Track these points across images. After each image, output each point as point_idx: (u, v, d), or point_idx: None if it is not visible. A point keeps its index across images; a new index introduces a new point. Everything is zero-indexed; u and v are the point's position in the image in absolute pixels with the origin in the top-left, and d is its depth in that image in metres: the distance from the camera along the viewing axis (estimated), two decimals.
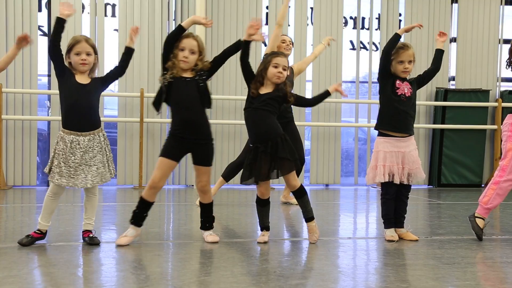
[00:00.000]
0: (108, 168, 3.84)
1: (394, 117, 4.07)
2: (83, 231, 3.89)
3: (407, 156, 4.06)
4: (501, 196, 4.16)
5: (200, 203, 4.11)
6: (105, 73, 3.93)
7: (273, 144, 3.82)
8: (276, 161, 3.83)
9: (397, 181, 4.06)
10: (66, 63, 3.77)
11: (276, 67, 3.87)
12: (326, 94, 4.05)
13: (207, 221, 4.08)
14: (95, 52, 3.82)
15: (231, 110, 7.88)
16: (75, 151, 3.70)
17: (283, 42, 5.73)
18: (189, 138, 3.84)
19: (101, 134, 3.81)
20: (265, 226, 4.04)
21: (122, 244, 3.78)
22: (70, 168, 3.70)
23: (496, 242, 4.15)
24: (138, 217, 3.90)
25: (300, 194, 3.97)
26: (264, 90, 3.91)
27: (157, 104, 3.87)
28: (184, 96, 3.79)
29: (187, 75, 3.84)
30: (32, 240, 3.75)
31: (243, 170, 3.95)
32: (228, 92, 7.85)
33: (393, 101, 4.07)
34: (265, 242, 3.95)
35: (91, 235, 3.86)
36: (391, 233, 4.12)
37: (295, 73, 5.81)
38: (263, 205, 4.02)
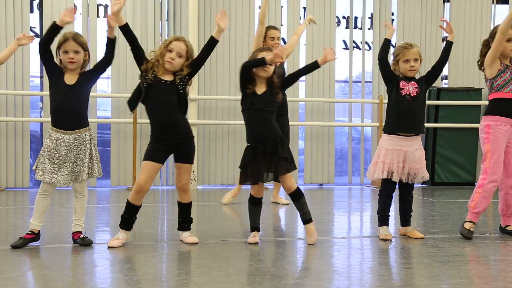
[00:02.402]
0: (88, 167, 3.79)
1: (399, 117, 4.07)
2: (72, 233, 3.87)
3: (410, 155, 4.06)
4: (487, 198, 4.18)
5: (179, 202, 4.01)
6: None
7: (273, 145, 3.84)
8: (274, 161, 3.84)
9: (395, 179, 4.06)
10: (56, 60, 3.80)
11: (264, 68, 3.87)
12: (315, 65, 4.04)
13: (185, 221, 4.01)
14: (85, 49, 3.80)
15: (224, 110, 7.87)
16: (60, 148, 3.72)
17: (272, 40, 5.64)
18: (172, 139, 3.80)
19: (87, 134, 3.80)
20: (256, 227, 4.02)
21: (114, 246, 3.76)
22: (54, 165, 3.72)
23: (489, 240, 4.17)
24: (127, 221, 3.87)
25: (297, 196, 3.95)
26: (259, 90, 3.90)
27: (133, 103, 3.86)
28: (163, 100, 3.76)
29: (168, 77, 3.80)
30: (25, 242, 3.73)
31: (242, 170, 3.94)
32: (221, 93, 7.84)
33: (398, 102, 4.07)
34: (255, 243, 3.94)
35: (82, 236, 3.84)
36: (384, 231, 4.13)
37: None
38: (256, 204, 4.00)
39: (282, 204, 5.94)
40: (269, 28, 5.72)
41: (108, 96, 7.82)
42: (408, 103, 4.05)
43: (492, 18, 8.59)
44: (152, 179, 3.83)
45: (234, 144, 7.90)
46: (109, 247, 3.74)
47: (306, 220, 3.98)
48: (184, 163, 3.88)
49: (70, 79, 3.77)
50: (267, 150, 3.83)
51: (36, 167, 3.77)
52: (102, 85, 8.41)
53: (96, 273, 3.20)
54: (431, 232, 4.47)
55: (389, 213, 4.20)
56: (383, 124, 4.33)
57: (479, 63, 4.34)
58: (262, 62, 3.84)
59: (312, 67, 4.07)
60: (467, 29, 8.52)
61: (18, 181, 7.33)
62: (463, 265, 3.41)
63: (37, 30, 7.45)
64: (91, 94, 7.81)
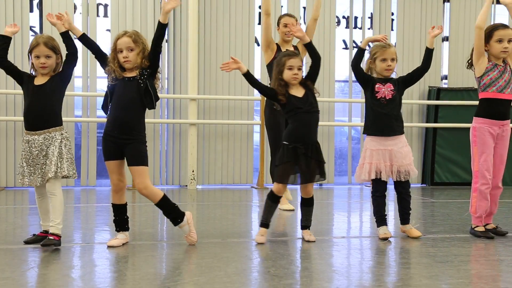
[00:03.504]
0: (56, 166, 3.64)
1: (377, 121, 4.09)
2: (46, 232, 3.74)
3: (396, 153, 4.06)
4: (484, 200, 4.17)
5: (155, 204, 3.79)
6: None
7: (313, 148, 3.92)
8: (312, 164, 3.90)
9: (384, 178, 4.06)
10: (28, 64, 3.86)
11: (291, 69, 3.92)
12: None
13: (174, 218, 3.80)
14: (56, 53, 3.79)
15: (224, 110, 7.87)
16: (32, 150, 3.71)
17: (285, 26, 5.38)
18: (117, 137, 3.69)
19: (57, 133, 3.72)
20: (267, 223, 4.01)
21: (114, 245, 3.75)
22: (30, 167, 3.73)
23: (489, 240, 4.16)
24: (120, 222, 3.84)
25: (310, 203, 4.07)
26: (297, 92, 3.96)
27: (104, 108, 3.84)
28: (122, 97, 3.70)
29: (131, 74, 3.73)
30: (36, 239, 3.78)
31: (281, 169, 3.92)
32: (221, 92, 7.84)
33: (374, 105, 4.09)
34: (262, 243, 3.92)
35: (49, 237, 3.63)
36: (383, 231, 4.13)
37: (302, 51, 5.38)
38: (275, 201, 4.02)
39: (287, 210, 5.59)
40: (283, 15, 5.59)
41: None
42: (384, 106, 4.05)
43: (492, 18, 8.58)
44: (122, 175, 3.77)
45: (234, 143, 7.90)
46: (108, 247, 3.74)
47: (306, 226, 4.08)
48: (132, 165, 3.69)
49: (39, 80, 3.79)
50: (308, 153, 3.88)
51: (18, 172, 3.80)
52: (103, 84, 8.41)
53: (95, 272, 3.20)
54: (430, 232, 4.47)
55: (386, 213, 4.19)
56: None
57: (468, 61, 4.35)
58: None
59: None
60: (467, 29, 8.52)
61: (17, 180, 7.32)
62: (462, 265, 3.41)
63: (37, 30, 7.45)
64: (90, 93, 7.81)
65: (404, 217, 4.20)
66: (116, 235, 3.86)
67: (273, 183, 4.10)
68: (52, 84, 3.77)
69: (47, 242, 3.61)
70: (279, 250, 3.83)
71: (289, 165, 3.90)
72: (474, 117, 4.31)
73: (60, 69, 3.84)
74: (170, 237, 4.24)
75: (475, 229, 4.24)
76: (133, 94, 3.68)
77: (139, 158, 3.69)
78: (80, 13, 7.45)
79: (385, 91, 4.08)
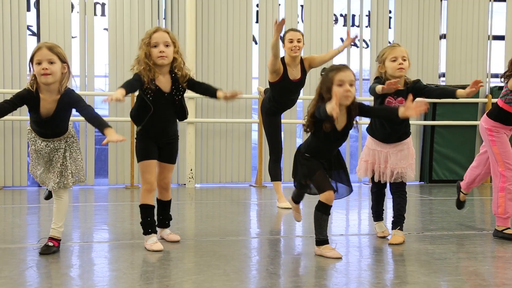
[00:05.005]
0: (58, 179, 3.52)
1: (381, 129, 3.91)
2: (48, 238, 3.58)
3: (392, 156, 3.90)
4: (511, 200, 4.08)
5: (159, 200, 3.92)
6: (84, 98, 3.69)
7: (335, 160, 3.67)
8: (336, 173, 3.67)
9: (376, 179, 4.00)
10: (29, 79, 3.40)
11: (341, 85, 3.34)
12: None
13: (166, 219, 3.95)
14: (63, 61, 3.36)
15: (222, 108, 7.86)
16: (38, 154, 3.55)
17: (290, 42, 5.22)
18: (161, 139, 3.75)
19: (62, 142, 3.54)
20: (325, 239, 3.54)
21: (159, 249, 3.60)
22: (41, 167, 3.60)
23: (487, 237, 4.17)
24: (152, 223, 3.73)
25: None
26: (339, 125, 3.47)
27: (140, 121, 3.67)
28: (162, 112, 3.65)
29: (166, 88, 3.64)
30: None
31: (318, 178, 3.50)
32: None
33: (383, 126, 3.88)
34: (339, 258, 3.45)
35: (48, 244, 3.51)
36: (380, 228, 4.11)
37: (308, 67, 5.39)
38: (327, 212, 3.54)
39: (286, 208, 5.52)
40: (288, 30, 5.41)
41: (105, 94, 7.80)
42: (392, 120, 3.84)
43: (489, 15, 8.59)
44: (156, 176, 3.78)
45: (232, 142, 7.90)
46: (158, 251, 3.59)
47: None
48: (169, 163, 3.83)
49: (46, 107, 3.37)
50: (331, 166, 3.64)
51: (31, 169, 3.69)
52: (100, 83, 8.40)
53: (94, 271, 3.20)
54: (428, 229, 4.48)
55: (383, 208, 4.16)
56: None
57: (505, 73, 4.13)
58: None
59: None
60: (464, 26, 8.52)
61: (15, 179, 7.32)
62: (460, 262, 3.42)
63: (34, 29, 7.44)
64: (88, 92, 7.79)
65: (394, 220, 4.00)
66: (150, 239, 3.66)
67: (319, 193, 3.57)
68: (60, 114, 3.43)
69: (45, 251, 3.48)
70: (277, 248, 3.84)
71: (322, 172, 3.53)
72: (487, 118, 4.16)
73: (71, 95, 3.42)
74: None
75: (505, 231, 4.06)
76: (171, 110, 3.71)
77: (175, 156, 3.88)
78: (78, 12, 7.44)
79: (395, 104, 3.80)
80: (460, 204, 4.70)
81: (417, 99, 3.68)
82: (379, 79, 3.88)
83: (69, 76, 3.44)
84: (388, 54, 3.85)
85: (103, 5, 7.61)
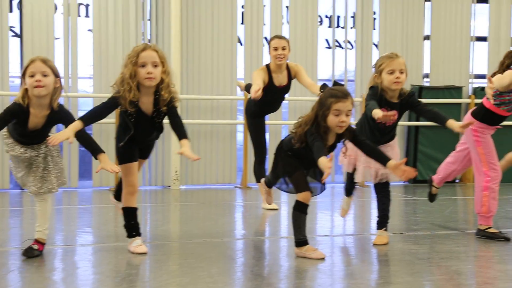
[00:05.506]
0: (38, 185, 3.47)
1: (371, 136, 3.83)
2: (33, 240, 3.53)
3: None
4: (496, 198, 4.09)
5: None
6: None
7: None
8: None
9: (357, 179, 4.01)
10: (20, 92, 3.32)
11: (337, 114, 3.33)
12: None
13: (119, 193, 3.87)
14: (56, 75, 3.32)
15: (207, 110, 7.85)
16: (19, 160, 3.48)
17: (275, 50, 5.16)
18: (142, 144, 3.69)
19: (42, 147, 3.47)
20: (305, 239, 3.53)
21: (143, 252, 3.56)
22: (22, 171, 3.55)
23: (470, 236, 4.21)
24: (136, 226, 3.68)
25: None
26: (331, 136, 3.47)
27: (121, 140, 3.54)
28: (143, 129, 3.56)
29: (148, 109, 3.48)
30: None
31: (297, 176, 3.52)
32: (204, 92, 7.82)
33: (371, 125, 3.84)
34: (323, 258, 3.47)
35: (33, 246, 3.47)
36: (346, 203, 4.33)
37: (295, 74, 5.33)
38: (304, 211, 3.55)
39: (271, 209, 5.52)
40: (273, 37, 5.38)
41: (90, 96, 7.76)
42: (380, 130, 3.84)
43: (472, 16, 8.68)
44: (137, 177, 3.73)
45: (217, 143, 7.89)
46: (142, 253, 3.55)
47: None
48: (143, 159, 3.78)
49: (35, 121, 3.33)
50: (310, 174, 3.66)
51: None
52: (84, 85, 8.34)
53: (78, 274, 3.18)
54: (412, 229, 4.51)
55: (355, 186, 4.26)
56: None
57: (495, 74, 4.03)
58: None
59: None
60: (447, 27, 8.60)
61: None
62: (443, 262, 3.44)
63: (17, 30, 7.37)
64: (72, 94, 7.73)
65: (380, 220, 3.98)
66: (134, 242, 3.62)
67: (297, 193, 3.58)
68: (48, 128, 3.41)
69: (28, 253, 3.44)
70: (262, 249, 3.84)
71: (301, 171, 3.55)
72: (473, 117, 4.13)
73: (65, 114, 3.40)
74: (153, 238, 4.22)
75: (487, 230, 4.08)
76: (151, 129, 3.59)
77: (150, 152, 3.86)
78: (61, 13, 7.38)
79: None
80: (432, 197, 4.74)
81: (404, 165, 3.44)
82: (374, 90, 3.78)
83: (61, 91, 3.39)
84: (386, 66, 3.71)
85: (87, 6, 7.55)
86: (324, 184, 3.69)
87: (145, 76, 3.36)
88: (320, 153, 3.25)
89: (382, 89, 3.76)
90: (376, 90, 3.78)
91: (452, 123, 3.75)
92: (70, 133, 3.22)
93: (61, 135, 3.20)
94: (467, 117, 4.22)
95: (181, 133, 3.47)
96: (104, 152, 3.35)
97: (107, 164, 3.29)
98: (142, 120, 3.50)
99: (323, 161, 3.18)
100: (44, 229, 3.54)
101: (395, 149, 4.03)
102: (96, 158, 3.39)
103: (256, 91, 4.79)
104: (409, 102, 3.86)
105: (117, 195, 3.93)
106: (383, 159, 3.47)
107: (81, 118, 3.32)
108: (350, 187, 4.33)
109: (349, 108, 3.34)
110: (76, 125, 3.26)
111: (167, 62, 3.49)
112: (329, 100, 3.33)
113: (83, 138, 3.41)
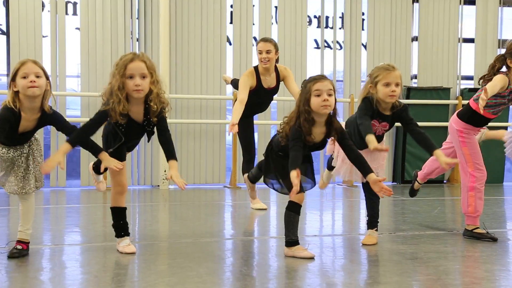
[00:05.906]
0: (21, 185, 3.42)
1: (360, 141, 3.77)
2: (16, 241, 3.49)
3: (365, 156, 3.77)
4: (482, 198, 4.12)
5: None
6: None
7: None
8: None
9: (344, 177, 4.04)
10: (9, 96, 3.26)
11: (319, 95, 3.33)
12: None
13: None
14: (47, 77, 3.31)
15: (196, 109, 7.83)
16: (0, 160, 3.42)
17: (260, 53, 5.12)
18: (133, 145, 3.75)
19: (25, 146, 3.43)
20: (296, 240, 3.52)
21: (132, 251, 3.54)
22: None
23: (457, 237, 4.24)
24: (125, 226, 3.66)
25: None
26: (317, 131, 3.41)
27: (110, 147, 3.49)
28: (133, 140, 3.58)
29: (138, 117, 3.43)
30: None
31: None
32: (193, 91, 7.80)
33: (360, 132, 3.75)
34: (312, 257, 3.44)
35: (17, 247, 3.42)
36: (326, 177, 4.30)
37: (285, 76, 5.33)
38: (297, 211, 3.53)
39: (260, 209, 5.52)
40: (259, 40, 5.36)
41: (77, 95, 7.71)
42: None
43: (459, 18, 8.75)
44: (126, 177, 3.71)
45: (206, 143, 7.88)
46: (131, 253, 3.53)
47: None
48: (128, 151, 3.78)
49: (25, 125, 3.30)
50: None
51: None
52: (72, 83, 8.29)
53: (65, 274, 3.15)
54: (401, 229, 4.53)
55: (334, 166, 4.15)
56: None
57: (486, 77, 4.01)
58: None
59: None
60: (435, 29, 8.66)
61: None
62: (431, 262, 3.47)
63: (4, 28, 7.29)
64: (59, 92, 7.68)
65: (370, 220, 3.98)
66: (123, 241, 3.61)
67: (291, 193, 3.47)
68: (35, 130, 3.39)
69: (14, 254, 3.41)
70: (251, 249, 3.84)
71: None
72: (457, 119, 4.15)
73: (57, 118, 3.41)
74: (141, 237, 4.20)
75: (475, 231, 4.10)
76: (141, 137, 3.57)
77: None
78: (49, 11, 7.32)
79: (378, 128, 3.78)
80: (413, 192, 4.77)
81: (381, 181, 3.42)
82: (367, 104, 3.73)
83: (50, 94, 3.38)
84: (382, 78, 3.65)
85: (74, 4, 7.50)
86: (314, 180, 3.69)
87: (133, 88, 3.31)
88: (293, 165, 3.25)
89: (377, 101, 3.72)
90: (369, 103, 3.74)
91: (439, 154, 3.72)
92: (61, 157, 3.26)
93: (52, 161, 3.24)
94: (454, 120, 4.24)
95: (169, 152, 3.42)
96: (104, 151, 3.37)
97: (110, 162, 3.34)
98: (132, 128, 3.48)
99: (292, 175, 3.21)
100: (26, 229, 3.50)
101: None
102: (97, 157, 3.42)
103: (232, 126, 4.79)
104: (401, 117, 3.82)
105: (96, 167, 3.83)
106: (365, 170, 3.45)
107: (69, 140, 3.34)
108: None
109: (329, 87, 3.33)
110: (65, 148, 3.31)
111: (156, 71, 3.43)
112: (308, 84, 3.36)
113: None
